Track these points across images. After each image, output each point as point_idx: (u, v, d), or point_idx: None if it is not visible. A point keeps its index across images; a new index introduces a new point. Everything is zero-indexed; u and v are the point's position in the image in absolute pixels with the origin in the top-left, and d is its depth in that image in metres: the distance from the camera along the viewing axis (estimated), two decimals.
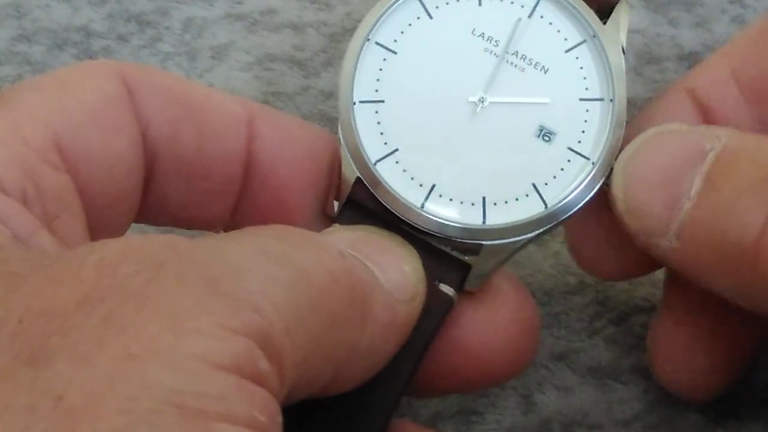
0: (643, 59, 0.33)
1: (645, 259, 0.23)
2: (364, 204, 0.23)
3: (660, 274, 0.28)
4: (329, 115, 0.31)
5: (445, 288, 0.22)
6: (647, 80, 0.32)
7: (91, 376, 0.14)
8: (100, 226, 0.21)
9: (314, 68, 0.32)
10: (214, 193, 0.23)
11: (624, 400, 0.27)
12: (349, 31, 0.32)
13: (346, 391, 0.19)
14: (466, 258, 0.23)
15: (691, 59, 0.33)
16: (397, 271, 0.20)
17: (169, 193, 0.22)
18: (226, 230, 0.24)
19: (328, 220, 0.23)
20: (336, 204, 0.23)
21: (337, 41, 0.32)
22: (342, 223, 0.23)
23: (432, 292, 0.22)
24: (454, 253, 0.23)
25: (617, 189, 0.23)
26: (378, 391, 0.21)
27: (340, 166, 0.23)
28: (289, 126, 0.23)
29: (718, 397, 0.26)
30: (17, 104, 0.20)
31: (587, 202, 0.23)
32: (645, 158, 0.22)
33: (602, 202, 0.23)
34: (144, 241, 0.16)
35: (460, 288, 0.23)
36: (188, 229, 0.25)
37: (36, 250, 0.18)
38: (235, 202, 0.23)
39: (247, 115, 0.23)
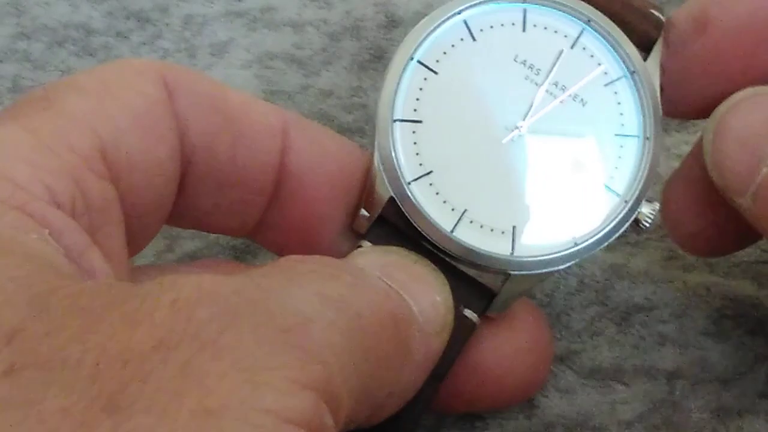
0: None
1: (739, 233, 0.24)
2: (395, 223, 0.23)
3: (659, 271, 0.29)
4: (329, 114, 0.31)
5: (469, 313, 0.22)
6: None
7: (171, 430, 0.14)
8: (134, 231, 0.21)
9: (314, 67, 0.32)
10: (244, 201, 0.22)
11: (626, 401, 0.27)
12: (349, 30, 0.32)
13: (377, 423, 0.20)
14: (492, 285, 0.23)
15: None
16: (429, 301, 0.20)
17: (200, 200, 0.22)
18: (251, 237, 0.24)
19: (353, 234, 0.23)
20: (364, 218, 0.23)
21: (337, 40, 0.32)
22: (370, 240, 0.23)
23: (456, 316, 0.22)
24: (481, 279, 0.23)
25: (707, 143, 0.23)
26: (400, 417, 0.20)
27: (373, 183, 0.23)
28: (323, 139, 0.23)
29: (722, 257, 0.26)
30: (62, 108, 0.19)
31: (616, 238, 0.23)
32: (736, 116, 0.22)
33: (700, 179, 0.24)
34: (216, 285, 0.16)
35: (482, 314, 0.23)
36: (212, 233, 0.25)
37: (104, 282, 0.18)
38: (263, 211, 0.23)
39: (282, 126, 0.22)
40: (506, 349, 0.23)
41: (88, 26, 0.32)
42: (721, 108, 0.23)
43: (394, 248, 0.22)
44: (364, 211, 0.23)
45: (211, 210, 0.22)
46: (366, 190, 0.23)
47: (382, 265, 0.20)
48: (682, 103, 0.24)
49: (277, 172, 0.22)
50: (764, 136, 0.22)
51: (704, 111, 0.24)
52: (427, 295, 0.20)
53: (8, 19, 0.32)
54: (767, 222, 0.22)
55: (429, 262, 0.22)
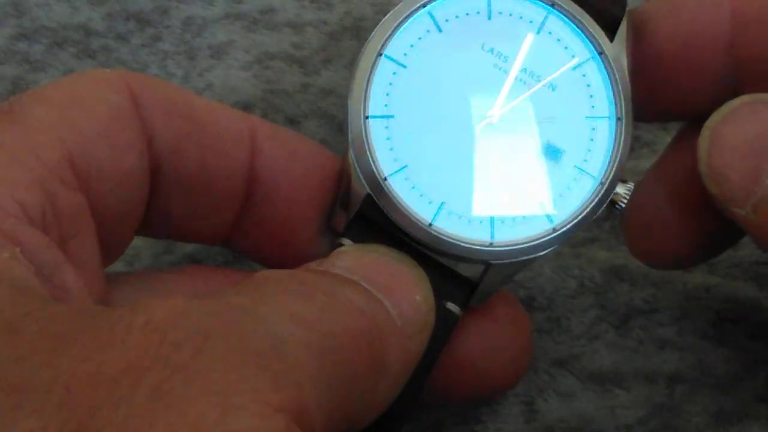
0: None
1: (704, 244, 0.24)
2: (373, 219, 0.23)
3: (659, 272, 0.28)
4: (329, 112, 0.31)
5: (452, 306, 0.22)
6: None
7: None
8: (106, 241, 0.21)
9: (314, 66, 0.32)
10: (216, 208, 0.23)
11: (626, 405, 0.27)
12: (348, 30, 0.32)
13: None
14: (473, 276, 0.23)
15: None
16: (410, 302, 0.20)
17: (171, 207, 0.22)
18: (226, 245, 0.24)
19: (329, 235, 0.23)
20: (342, 216, 0.23)
21: (336, 39, 0.32)
22: (350, 236, 0.23)
23: (439, 310, 0.22)
24: (461, 271, 0.23)
25: (702, 151, 0.23)
26: (385, 415, 0.20)
27: (349, 181, 0.23)
28: (291, 143, 0.23)
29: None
30: (29, 119, 0.20)
31: (594, 220, 0.23)
32: (733, 125, 0.22)
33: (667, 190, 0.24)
34: (189, 307, 0.16)
35: (465, 306, 0.23)
36: (187, 242, 0.25)
37: (75, 305, 0.18)
38: (236, 217, 0.23)
39: (250, 130, 0.22)
40: (488, 340, 0.23)
41: (88, 28, 0.32)
42: (716, 117, 0.23)
43: (374, 246, 0.22)
44: (341, 209, 0.23)
45: (183, 217, 0.22)
46: (342, 188, 0.23)
47: (362, 266, 0.20)
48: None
49: (247, 177, 0.22)
50: (764, 147, 0.22)
51: (654, 114, 0.24)
52: (408, 296, 0.20)
53: (8, 20, 0.32)
54: None
55: (410, 258, 0.22)
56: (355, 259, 0.21)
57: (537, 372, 0.27)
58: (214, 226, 0.23)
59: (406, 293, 0.20)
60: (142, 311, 0.16)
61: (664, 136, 0.32)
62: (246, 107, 0.31)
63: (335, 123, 0.31)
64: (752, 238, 0.23)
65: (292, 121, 0.31)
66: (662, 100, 0.24)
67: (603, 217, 0.30)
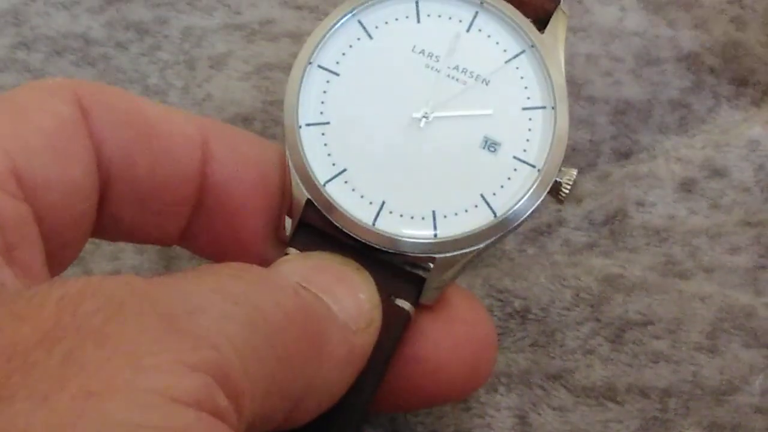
0: (642, 61, 0.33)
1: None
2: (317, 225, 0.23)
3: (655, 280, 0.28)
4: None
5: (402, 303, 0.23)
6: (646, 82, 0.32)
7: (51, 414, 0.15)
8: (56, 249, 0.21)
9: None
10: (167, 213, 0.23)
11: (619, 419, 0.27)
12: None
13: (305, 422, 0.20)
14: (420, 272, 0.23)
15: (690, 60, 0.33)
16: (352, 299, 0.21)
17: (122, 213, 0.22)
18: (180, 245, 0.24)
19: (282, 239, 0.23)
20: (287, 225, 0.23)
21: None
22: (295, 245, 0.23)
23: (389, 307, 0.22)
24: (408, 268, 0.23)
25: None
26: (340, 413, 0.21)
27: (290, 189, 0.23)
28: (244, 147, 0.23)
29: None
30: None
31: (536, 209, 0.23)
32: None
33: None
34: (103, 281, 0.16)
35: (416, 302, 0.23)
36: (140, 243, 0.25)
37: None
38: (188, 221, 0.23)
39: (201, 136, 0.23)
40: (444, 338, 0.23)
41: (88, 36, 0.32)
42: None
43: (317, 254, 0.22)
44: (287, 218, 0.23)
45: (134, 222, 0.23)
46: (285, 197, 0.23)
47: (303, 270, 0.21)
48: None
49: (198, 183, 0.23)
50: None
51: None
52: (350, 294, 0.21)
53: (8, 29, 0.32)
54: None
55: (352, 261, 0.22)
56: (296, 265, 0.21)
57: (531, 386, 0.27)
58: (165, 229, 0.23)
59: (348, 291, 0.21)
60: (58, 287, 0.16)
61: (663, 140, 0.32)
62: (246, 119, 0.31)
63: None
64: None
65: None
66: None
67: (600, 222, 0.31)
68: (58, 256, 0.21)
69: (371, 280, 0.22)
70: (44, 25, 0.32)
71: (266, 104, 0.31)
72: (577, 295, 0.29)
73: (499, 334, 0.28)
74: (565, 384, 0.27)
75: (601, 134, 0.32)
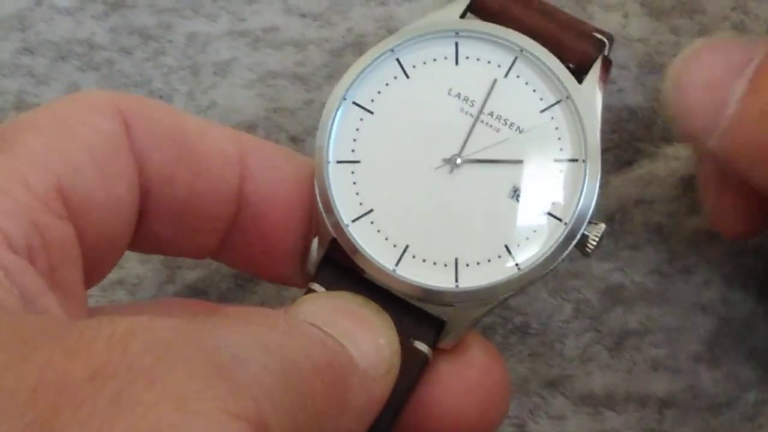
0: (645, 68, 0.33)
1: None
2: (340, 263, 0.23)
3: (655, 285, 0.29)
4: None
5: (420, 345, 0.23)
6: (649, 89, 0.32)
7: None
8: (93, 266, 0.21)
9: (316, 82, 0.32)
10: (204, 228, 0.23)
11: (617, 428, 0.27)
12: (350, 47, 0.32)
13: None
14: (440, 314, 0.23)
15: None
16: (373, 345, 0.21)
17: (159, 228, 0.22)
18: (214, 258, 0.24)
19: (306, 270, 0.23)
20: (312, 259, 0.23)
21: (338, 56, 0.32)
22: (319, 281, 0.23)
23: (407, 349, 0.22)
24: (428, 310, 0.23)
25: (667, 92, 0.24)
26: None
27: (317, 225, 0.23)
28: (281, 164, 0.23)
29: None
30: (18, 148, 0.20)
31: (559, 263, 0.23)
32: (695, 63, 0.24)
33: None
34: (152, 322, 0.17)
35: (434, 345, 0.23)
36: (175, 257, 0.25)
37: (45, 316, 0.18)
38: (224, 235, 0.23)
39: (240, 153, 0.23)
40: (459, 384, 0.23)
41: (92, 41, 0.32)
42: (678, 60, 0.24)
43: (339, 294, 0.22)
44: (312, 253, 0.23)
45: (170, 237, 0.23)
46: (312, 231, 0.23)
47: (324, 312, 0.21)
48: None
49: (236, 200, 0.23)
50: (724, 78, 0.23)
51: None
52: (370, 339, 0.21)
53: (12, 34, 0.32)
54: (739, 159, 0.23)
55: (374, 304, 0.22)
56: (318, 305, 0.21)
57: (529, 394, 0.28)
58: (201, 243, 0.23)
59: (368, 337, 0.21)
60: (107, 324, 0.16)
61: (664, 147, 0.32)
62: (249, 127, 0.31)
63: None
64: (724, 165, 0.24)
65: (294, 140, 0.31)
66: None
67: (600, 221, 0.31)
68: (94, 272, 0.21)
69: (392, 324, 0.22)
70: (48, 31, 0.32)
71: (270, 112, 0.31)
72: (578, 309, 0.29)
73: (499, 349, 0.28)
74: (564, 392, 0.28)
75: (604, 143, 0.32)
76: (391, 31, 0.32)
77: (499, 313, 0.29)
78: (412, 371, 0.22)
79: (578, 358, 0.28)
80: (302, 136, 0.31)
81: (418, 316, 0.23)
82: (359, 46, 0.32)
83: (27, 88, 0.32)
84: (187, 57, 0.32)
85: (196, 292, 0.28)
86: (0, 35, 0.32)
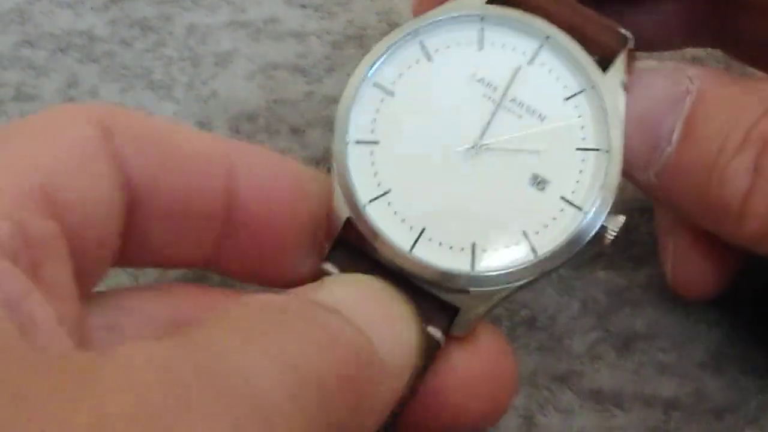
0: None
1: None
2: (354, 244, 0.22)
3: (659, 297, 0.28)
4: (332, 120, 0.31)
5: (433, 330, 0.22)
6: None
7: None
8: (84, 267, 0.21)
9: (317, 74, 0.32)
10: (194, 235, 0.22)
11: (623, 426, 0.27)
12: (351, 39, 0.32)
13: None
14: (454, 301, 0.22)
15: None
16: (397, 340, 0.20)
17: (149, 235, 0.22)
18: (208, 267, 0.24)
19: (309, 255, 0.23)
20: (325, 240, 0.23)
21: (339, 48, 0.32)
22: (333, 262, 0.22)
23: (420, 334, 0.21)
24: (442, 296, 0.22)
25: None
26: None
27: (332, 205, 0.23)
28: (269, 164, 0.23)
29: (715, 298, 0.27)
30: (4, 151, 0.20)
31: (578, 252, 0.22)
32: (633, 96, 0.23)
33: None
34: (169, 359, 0.16)
35: (446, 331, 0.22)
36: (168, 269, 0.25)
37: (52, 357, 0.17)
38: (217, 240, 0.23)
39: (226, 153, 0.22)
40: (468, 372, 0.23)
41: (92, 34, 0.32)
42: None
43: (362, 277, 0.22)
44: (325, 233, 0.23)
45: (163, 244, 0.22)
46: (326, 210, 0.23)
47: (349, 299, 0.20)
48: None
49: (225, 204, 0.22)
50: (657, 114, 0.23)
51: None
52: (396, 334, 0.20)
53: (12, 27, 0.32)
54: (673, 199, 0.23)
55: (400, 293, 0.21)
56: (343, 290, 0.21)
57: (538, 387, 0.27)
58: (193, 252, 0.23)
59: (394, 331, 0.20)
60: (124, 364, 0.16)
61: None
62: (250, 117, 0.31)
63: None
64: (655, 200, 0.24)
65: (295, 131, 0.31)
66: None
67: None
68: (87, 274, 0.21)
69: (416, 316, 0.21)
70: (48, 23, 0.32)
71: (270, 103, 0.31)
72: (585, 305, 0.28)
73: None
74: (572, 387, 0.27)
75: None
76: (391, 24, 0.32)
77: (505, 306, 0.28)
78: (425, 357, 0.22)
79: (586, 355, 0.28)
80: (303, 128, 0.31)
81: (432, 302, 0.22)
82: (360, 39, 0.32)
83: (27, 80, 0.31)
84: (188, 48, 0.32)
85: (197, 276, 0.28)
86: None
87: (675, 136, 0.22)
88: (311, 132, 0.31)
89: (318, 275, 0.22)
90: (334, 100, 0.31)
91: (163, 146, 0.22)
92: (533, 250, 0.22)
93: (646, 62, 0.23)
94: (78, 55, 0.32)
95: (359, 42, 0.32)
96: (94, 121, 0.21)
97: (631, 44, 0.23)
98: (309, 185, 0.23)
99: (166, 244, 0.22)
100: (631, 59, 0.23)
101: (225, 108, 0.31)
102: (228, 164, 0.22)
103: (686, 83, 0.23)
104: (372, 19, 0.32)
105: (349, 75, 0.31)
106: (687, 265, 0.26)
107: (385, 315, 0.20)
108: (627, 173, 0.23)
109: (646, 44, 0.24)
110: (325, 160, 0.30)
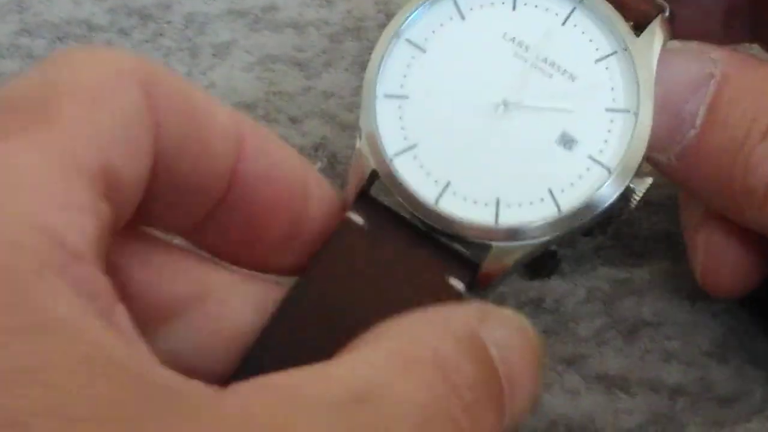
0: None
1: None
2: (378, 198, 0.23)
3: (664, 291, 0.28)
4: (330, 112, 0.31)
5: (455, 282, 0.22)
6: None
7: None
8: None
9: (315, 69, 0.32)
10: (192, 206, 0.22)
11: (629, 410, 0.26)
12: (349, 31, 0.32)
13: None
14: (476, 257, 0.22)
15: None
16: (525, 404, 0.19)
17: (154, 204, 0.21)
18: (187, 237, 0.23)
19: (294, 253, 0.23)
20: (351, 191, 0.23)
21: (338, 42, 0.32)
22: (356, 211, 0.22)
23: (442, 285, 0.22)
24: (464, 251, 0.22)
25: None
26: None
27: (359, 157, 0.23)
28: (276, 152, 0.22)
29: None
30: (62, 119, 0.18)
31: (602, 211, 0.23)
32: (659, 72, 0.23)
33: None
34: (264, 405, 0.15)
35: (468, 286, 0.22)
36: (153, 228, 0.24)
37: (180, 387, 0.16)
38: (207, 214, 0.22)
39: (240, 133, 0.22)
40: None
41: (91, 23, 0.32)
42: None
43: (507, 313, 0.20)
44: (351, 185, 0.23)
45: (160, 212, 0.21)
46: (353, 163, 0.23)
47: (499, 341, 0.19)
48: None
49: (228, 178, 0.22)
50: (680, 96, 0.23)
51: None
52: (528, 396, 0.19)
53: (11, 15, 0.32)
54: (694, 182, 0.23)
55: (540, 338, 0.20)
56: (498, 325, 0.19)
57: (546, 368, 0.27)
58: (182, 221, 0.22)
59: (527, 392, 0.19)
60: (256, 401, 0.15)
61: None
62: (249, 107, 0.31)
63: (336, 122, 0.31)
64: (675, 182, 0.24)
65: (294, 120, 0.31)
66: None
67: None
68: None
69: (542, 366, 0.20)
70: (47, 12, 0.32)
71: (269, 94, 0.31)
72: (591, 293, 0.28)
73: None
74: (579, 370, 0.27)
75: None
76: (390, 15, 0.32)
77: (510, 286, 0.28)
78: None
79: (592, 339, 0.27)
80: (301, 118, 0.31)
81: (454, 255, 0.22)
82: (358, 32, 0.32)
83: (26, 69, 0.31)
84: (186, 38, 0.32)
85: None
86: None
87: (699, 120, 0.22)
88: (309, 122, 0.31)
89: (343, 224, 0.22)
90: (331, 95, 0.31)
91: (196, 121, 0.21)
92: (557, 206, 0.22)
93: (670, 42, 0.24)
94: (77, 44, 0.32)
95: (357, 34, 0.32)
96: (138, 81, 0.19)
97: (666, 13, 0.24)
98: (312, 189, 0.23)
99: (164, 211, 0.22)
100: (667, 24, 0.24)
101: (223, 99, 0.31)
102: (240, 146, 0.22)
103: (710, 66, 0.23)
104: (371, 9, 0.32)
105: (346, 70, 0.31)
106: (719, 262, 0.25)
107: (527, 371, 0.19)
108: (646, 153, 0.23)
109: (684, 38, 0.24)
110: (322, 147, 0.30)
